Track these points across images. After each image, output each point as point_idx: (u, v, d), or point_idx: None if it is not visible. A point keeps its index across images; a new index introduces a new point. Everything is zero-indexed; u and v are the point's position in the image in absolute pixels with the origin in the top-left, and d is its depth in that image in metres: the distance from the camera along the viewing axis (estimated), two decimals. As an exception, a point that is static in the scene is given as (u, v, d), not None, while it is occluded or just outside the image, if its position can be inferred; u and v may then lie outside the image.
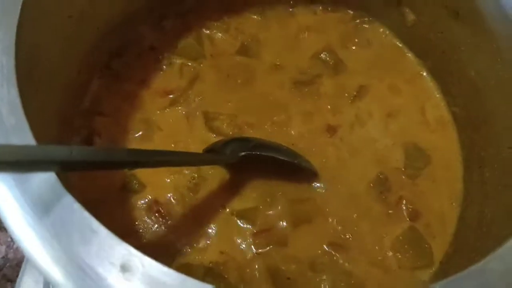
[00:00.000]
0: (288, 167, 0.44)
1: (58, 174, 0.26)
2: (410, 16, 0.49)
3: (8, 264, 0.79)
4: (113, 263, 0.23)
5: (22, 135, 0.26)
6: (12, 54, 0.28)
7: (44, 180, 0.25)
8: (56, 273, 0.24)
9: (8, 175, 0.25)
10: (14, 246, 0.81)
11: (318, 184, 0.45)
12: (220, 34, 0.52)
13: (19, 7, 0.30)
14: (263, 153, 0.43)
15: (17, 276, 0.78)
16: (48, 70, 0.37)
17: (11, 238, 0.79)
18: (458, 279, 0.25)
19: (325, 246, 0.42)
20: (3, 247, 0.81)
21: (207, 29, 0.52)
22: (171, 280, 0.23)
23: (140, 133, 0.47)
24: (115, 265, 0.23)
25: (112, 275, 0.23)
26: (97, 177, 0.43)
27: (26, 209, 0.24)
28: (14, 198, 0.25)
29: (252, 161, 0.43)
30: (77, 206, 0.25)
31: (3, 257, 0.80)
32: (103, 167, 0.28)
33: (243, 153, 0.42)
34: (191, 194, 0.44)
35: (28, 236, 0.24)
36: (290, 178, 0.45)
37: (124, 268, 0.23)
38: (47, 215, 0.24)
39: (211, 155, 0.43)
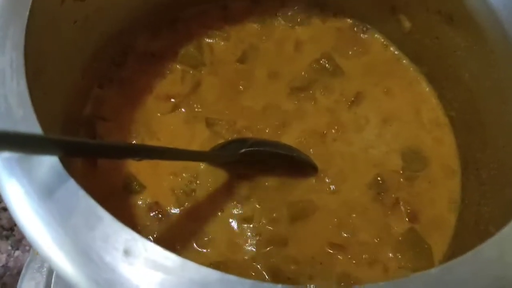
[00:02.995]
0: (287, 164, 0.45)
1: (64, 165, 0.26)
2: (406, 23, 0.50)
3: (8, 273, 0.78)
4: (117, 248, 0.24)
5: (30, 126, 0.27)
6: (22, 50, 0.29)
7: (50, 169, 0.26)
8: (60, 258, 0.24)
9: (16, 165, 0.26)
10: (15, 255, 0.80)
11: (316, 185, 0.45)
12: (222, 43, 0.54)
13: (28, 8, 0.31)
14: (261, 148, 0.43)
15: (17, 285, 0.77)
16: (53, 73, 0.38)
17: (11, 246, 0.78)
18: (455, 264, 0.26)
19: (324, 246, 0.43)
20: (4, 256, 0.80)
21: (208, 37, 0.54)
22: (172, 263, 0.24)
23: (142, 136, 0.48)
24: (119, 250, 0.24)
25: (115, 260, 0.24)
26: (100, 177, 0.44)
27: (31, 195, 0.25)
28: (20, 185, 0.25)
29: (251, 160, 0.43)
30: (82, 193, 0.25)
31: (3, 266, 0.80)
32: (102, 153, 0.29)
33: (242, 151, 0.42)
34: (189, 196, 0.45)
35: (32, 221, 0.25)
36: (289, 176, 0.45)
37: (127, 253, 0.24)
38: (52, 200, 0.25)
39: (212, 152, 0.44)
